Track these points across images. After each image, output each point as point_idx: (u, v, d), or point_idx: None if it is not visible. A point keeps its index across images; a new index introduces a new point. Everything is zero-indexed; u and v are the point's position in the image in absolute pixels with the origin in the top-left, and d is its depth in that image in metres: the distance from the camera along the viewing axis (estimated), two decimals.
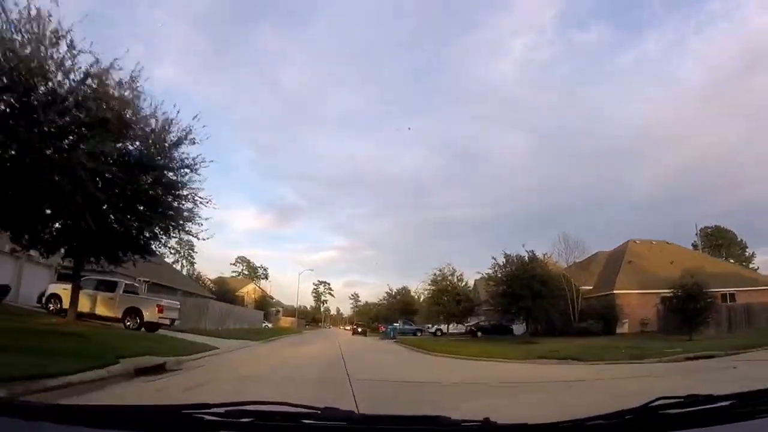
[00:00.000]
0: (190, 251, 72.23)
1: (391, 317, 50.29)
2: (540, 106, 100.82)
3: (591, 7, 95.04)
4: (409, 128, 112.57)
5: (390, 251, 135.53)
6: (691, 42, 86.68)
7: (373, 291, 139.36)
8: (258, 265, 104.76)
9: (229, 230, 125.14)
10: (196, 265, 71.97)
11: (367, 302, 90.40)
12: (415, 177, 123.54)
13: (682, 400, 1.24)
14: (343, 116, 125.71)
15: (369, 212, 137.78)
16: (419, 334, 37.51)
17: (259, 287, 77.01)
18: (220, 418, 1.25)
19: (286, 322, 67.13)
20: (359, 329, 52.10)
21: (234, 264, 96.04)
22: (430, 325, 41.41)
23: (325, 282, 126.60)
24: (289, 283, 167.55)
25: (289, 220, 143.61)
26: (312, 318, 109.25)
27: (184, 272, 59.75)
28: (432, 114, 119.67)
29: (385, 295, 55.75)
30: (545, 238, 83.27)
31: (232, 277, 78.17)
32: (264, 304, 62.92)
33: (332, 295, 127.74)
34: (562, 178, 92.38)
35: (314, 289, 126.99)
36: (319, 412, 1.26)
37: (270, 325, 49.94)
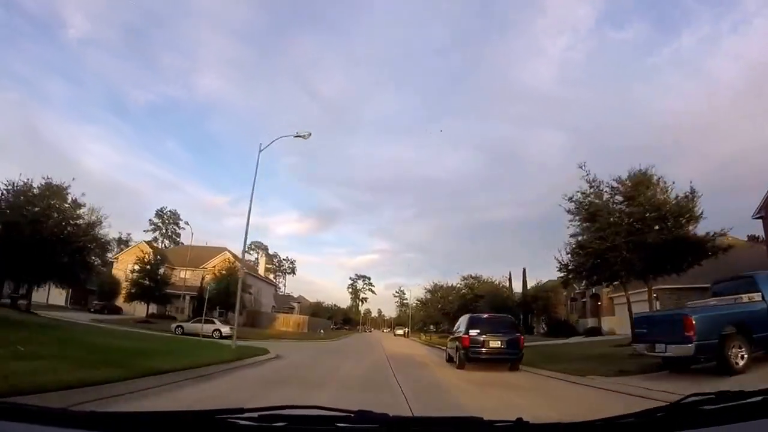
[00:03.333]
0: (175, 226, 61.44)
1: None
2: (576, 105, 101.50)
3: (625, 6, 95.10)
4: (441, 131, 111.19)
5: (432, 254, 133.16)
6: (727, 38, 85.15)
7: (417, 293, 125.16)
8: (284, 257, 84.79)
9: (273, 235, 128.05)
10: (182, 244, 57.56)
11: (436, 284, 47.97)
12: (455, 179, 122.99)
13: (713, 396, 1.25)
14: (381, 121, 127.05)
15: (410, 215, 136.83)
16: None
17: (233, 255, 44.27)
18: (254, 423, 1.26)
19: (288, 323, 44.96)
20: (500, 341, 12.14)
21: (248, 251, 74.78)
22: None
23: (364, 276, 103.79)
24: (329, 287, 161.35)
25: (331, 224, 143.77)
26: (344, 318, 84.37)
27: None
28: (471, 115, 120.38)
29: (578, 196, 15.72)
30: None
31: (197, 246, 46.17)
32: (231, 281, 31.51)
33: (373, 292, 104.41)
34: (601, 175, 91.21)
35: (351, 283, 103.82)
36: (353, 415, 1.27)
37: (225, 330, 24.02)
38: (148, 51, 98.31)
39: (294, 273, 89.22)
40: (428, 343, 35.04)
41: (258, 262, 59.04)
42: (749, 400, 1.20)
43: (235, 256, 43.73)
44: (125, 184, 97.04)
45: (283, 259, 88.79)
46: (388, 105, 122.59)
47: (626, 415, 1.25)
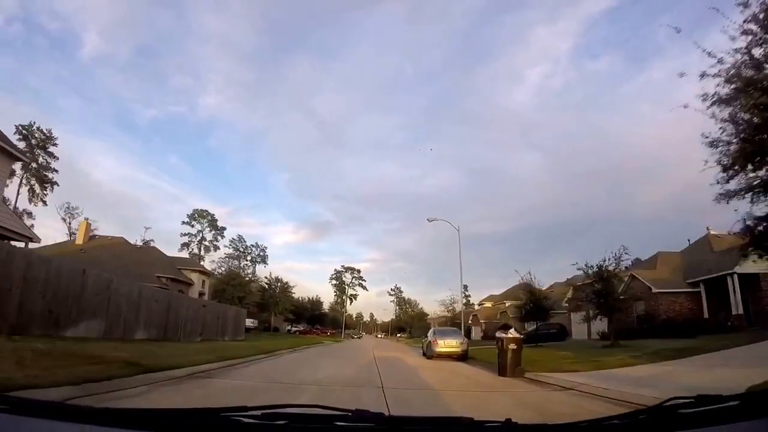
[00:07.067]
0: (45, 173, 44.10)
1: None
2: (554, 129, 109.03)
3: (602, 39, 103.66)
4: (431, 149, 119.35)
5: (420, 263, 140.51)
6: (695, 70, 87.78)
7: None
8: (251, 243, 62.61)
9: (269, 245, 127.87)
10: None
11: None
12: (440, 195, 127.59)
13: (693, 399, 1.31)
14: (372, 140, 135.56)
15: (399, 227, 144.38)
16: None
17: None
18: (257, 421, 1.32)
19: None
20: None
21: (187, 222, 60.36)
22: None
23: (352, 268, 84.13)
24: (323, 293, 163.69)
25: (324, 235, 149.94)
26: (312, 315, 64.09)
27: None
28: (455, 137, 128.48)
29: None
30: (565, 250, 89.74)
31: None
32: None
33: (364, 287, 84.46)
34: (576, 195, 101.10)
35: (335, 274, 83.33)
36: (350, 414, 1.34)
37: None
38: (156, 70, 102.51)
39: (266, 263, 66.60)
40: None
41: (263, 268, 45.40)
42: (727, 404, 1.26)
43: None
44: (129, 194, 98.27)
45: (250, 246, 65.34)
46: (377, 125, 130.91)
47: (610, 417, 1.31)
